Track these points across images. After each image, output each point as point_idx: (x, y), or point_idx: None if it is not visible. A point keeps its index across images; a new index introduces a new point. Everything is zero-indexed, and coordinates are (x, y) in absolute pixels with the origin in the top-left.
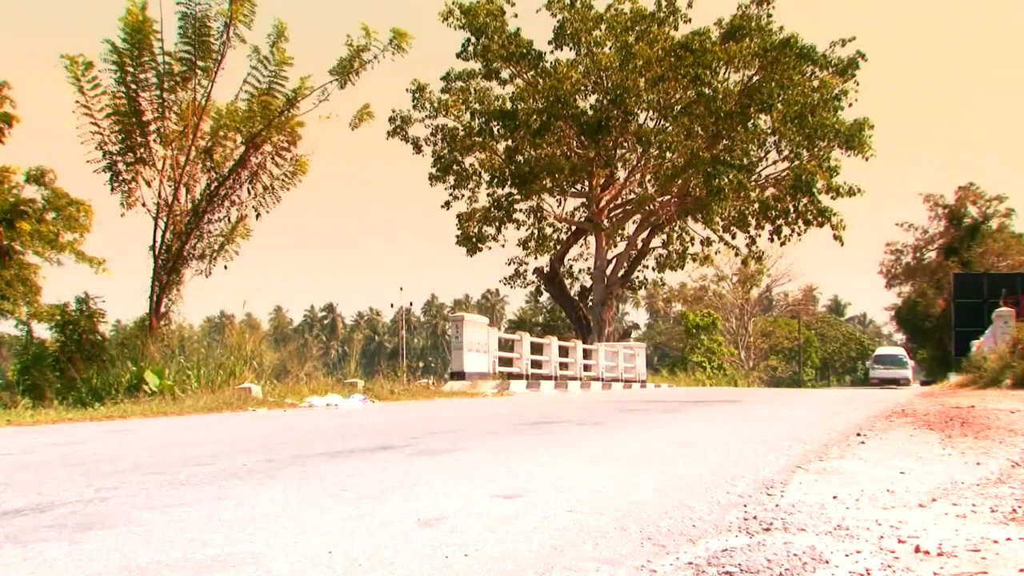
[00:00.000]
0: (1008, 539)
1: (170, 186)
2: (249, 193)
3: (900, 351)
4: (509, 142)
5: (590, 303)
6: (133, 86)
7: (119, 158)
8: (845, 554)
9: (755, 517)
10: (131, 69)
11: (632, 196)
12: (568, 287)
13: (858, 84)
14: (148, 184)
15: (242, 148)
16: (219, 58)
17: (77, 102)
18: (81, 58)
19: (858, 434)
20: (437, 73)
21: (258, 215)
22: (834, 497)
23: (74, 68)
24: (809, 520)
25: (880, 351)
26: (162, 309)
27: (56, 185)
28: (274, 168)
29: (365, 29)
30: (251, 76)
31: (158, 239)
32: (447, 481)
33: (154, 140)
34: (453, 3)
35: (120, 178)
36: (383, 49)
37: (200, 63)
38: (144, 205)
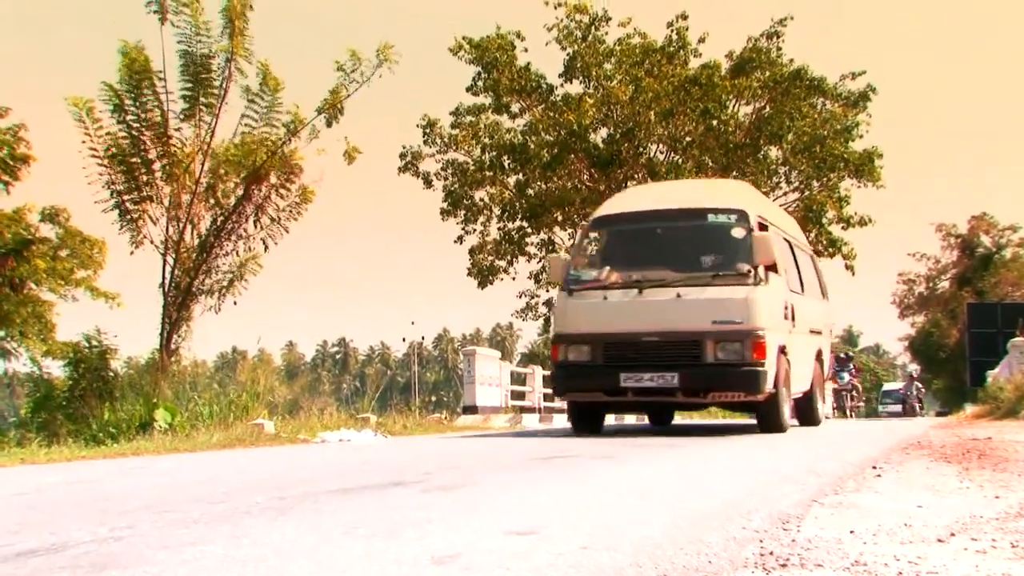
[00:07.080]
0: None
1: (176, 223)
2: (256, 226)
3: None
4: (520, 176)
5: None
6: (136, 125)
7: (126, 196)
8: None
9: (771, 552)
10: (133, 108)
11: None
12: None
13: (870, 116)
14: (154, 222)
15: (244, 183)
16: (222, 93)
17: (83, 142)
18: (82, 101)
19: (874, 467)
20: (447, 108)
21: (266, 247)
22: (851, 532)
23: (77, 110)
24: (826, 556)
25: None
26: (172, 345)
27: (70, 223)
28: (279, 200)
29: (352, 52)
30: (248, 111)
31: (167, 276)
32: (460, 517)
33: (160, 178)
34: (463, 37)
35: (128, 216)
36: (374, 69)
37: (203, 99)
38: (152, 242)
